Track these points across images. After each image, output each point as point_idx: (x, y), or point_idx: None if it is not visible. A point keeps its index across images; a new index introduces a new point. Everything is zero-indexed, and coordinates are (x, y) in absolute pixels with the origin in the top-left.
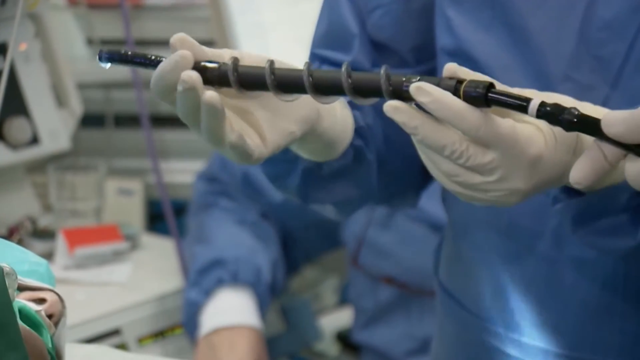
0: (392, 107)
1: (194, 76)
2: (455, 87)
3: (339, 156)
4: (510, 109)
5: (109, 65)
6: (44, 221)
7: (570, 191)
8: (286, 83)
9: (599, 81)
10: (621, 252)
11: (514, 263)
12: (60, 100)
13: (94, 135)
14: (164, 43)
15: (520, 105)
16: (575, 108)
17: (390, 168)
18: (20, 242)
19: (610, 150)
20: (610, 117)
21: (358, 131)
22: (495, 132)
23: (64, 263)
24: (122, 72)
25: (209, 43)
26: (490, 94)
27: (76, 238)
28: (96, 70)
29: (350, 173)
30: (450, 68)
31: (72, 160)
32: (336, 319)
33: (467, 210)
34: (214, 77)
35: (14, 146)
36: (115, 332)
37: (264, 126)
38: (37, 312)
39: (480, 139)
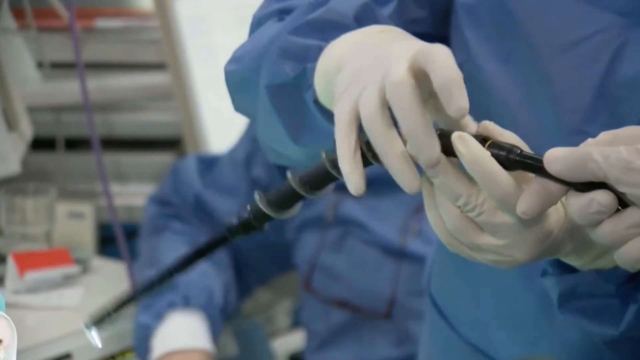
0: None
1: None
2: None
3: None
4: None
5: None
6: None
7: (561, 266)
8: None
9: None
10: (604, 339)
11: (509, 296)
12: (10, 123)
13: (45, 158)
14: (115, 66)
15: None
16: (517, 147)
17: None
18: None
19: (555, 185)
20: (551, 155)
21: None
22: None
23: (14, 287)
24: (73, 95)
25: (159, 66)
26: (511, 157)
27: (26, 262)
28: (46, 93)
29: None
30: (487, 127)
31: (22, 184)
32: (289, 342)
33: None
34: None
35: None
36: (66, 357)
37: None
38: None
39: (505, 206)
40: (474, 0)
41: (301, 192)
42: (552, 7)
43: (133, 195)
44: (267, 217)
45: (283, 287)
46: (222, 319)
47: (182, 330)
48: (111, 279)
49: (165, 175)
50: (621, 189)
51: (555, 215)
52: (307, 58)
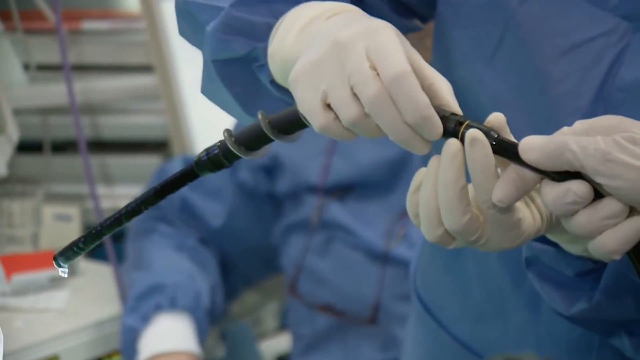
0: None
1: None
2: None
3: None
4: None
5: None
6: None
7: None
8: None
9: None
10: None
11: (498, 295)
12: None
13: (31, 161)
14: (102, 68)
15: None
16: (495, 131)
17: None
18: None
19: (529, 173)
20: (527, 143)
21: None
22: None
23: (1, 290)
24: (59, 97)
25: (146, 68)
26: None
27: (13, 264)
28: (33, 95)
29: None
30: (500, 119)
31: (9, 186)
32: (276, 344)
33: None
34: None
35: None
36: (53, 359)
37: None
38: None
39: (482, 191)
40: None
41: (269, 134)
42: (558, 9)
43: (120, 198)
44: (234, 156)
45: (270, 289)
46: (209, 321)
47: (169, 333)
48: (98, 281)
49: (152, 177)
50: (598, 179)
51: (531, 221)
52: (256, 35)
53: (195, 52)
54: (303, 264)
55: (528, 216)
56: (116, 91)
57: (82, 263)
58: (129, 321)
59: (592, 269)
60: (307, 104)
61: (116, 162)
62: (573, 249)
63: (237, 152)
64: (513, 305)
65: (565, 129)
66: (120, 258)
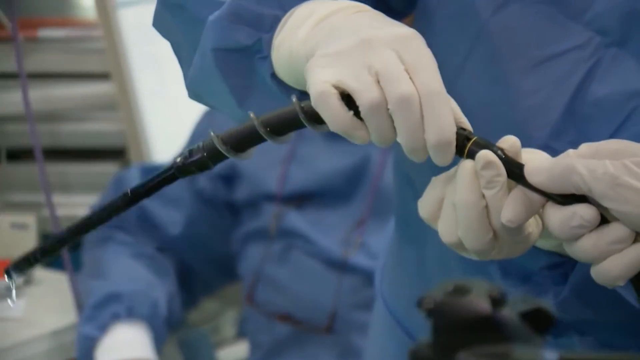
0: (486, 161)
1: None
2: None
3: None
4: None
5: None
6: None
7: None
8: None
9: None
10: None
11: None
12: None
13: None
14: (59, 76)
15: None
16: (501, 150)
17: None
18: None
19: (535, 195)
20: (534, 166)
21: None
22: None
23: None
24: (16, 105)
25: (104, 75)
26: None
27: None
28: None
29: None
30: (516, 146)
31: None
32: (235, 352)
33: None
34: None
35: None
36: None
37: None
38: None
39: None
40: (435, 5)
41: (262, 133)
42: (531, 21)
43: (77, 206)
44: (221, 157)
45: (229, 297)
46: (166, 330)
47: (126, 342)
48: (55, 290)
49: (109, 185)
50: (606, 204)
51: (536, 229)
52: (262, 27)
53: (153, 59)
54: (261, 272)
55: (533, 224)
56: (73, 99)
57: (39, 272)
58: (86, 330)
59: (558, 263)
60: (320, 87)
61: (73, 170)
62: (545, 244)
63: (225, 153)
64: None
65: (570, 151)
66: (76, 267)
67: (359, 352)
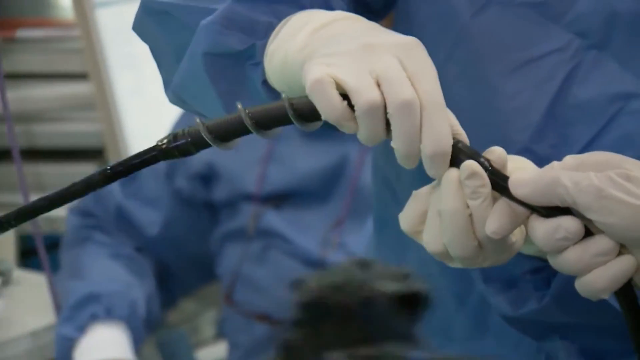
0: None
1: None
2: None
3: None
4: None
5: None
6: None
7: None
8: None
9: (557, 158)
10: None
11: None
12: None
13: None
14: (37, 76)
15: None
16: (488, 160)
17: None
18: None
19: (519, 207)
20: (518, 178)
21: None
22: None
23: None
24: None
25: (82, 76)
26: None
27: None
28: None
29: None
30: (502, 157)
31: None
32: (214, 352)
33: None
34: None
35: None
36: None
37: None
38: None
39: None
40: (414, 7)
41: (249, 126)
42: (512, 23)
43: None
44: (205, 144)
45: (208, 298)
46: (145, 330)
47: (105, 342)
48: (33, 290)
49: None
50: (590, 216)
51: (520, 236)
52: (255, 33)
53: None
54: (240, 272)
55: (517, 233)
56: (52, 99)
57: (16, 272)
58: (64, 331)
59: (540, 268)
60: (317, 81)
61: (52, 170)
62: (528, 249)
63: (209, 141)
64: (457, 325)
65: (555, 163)
66: (56, 267)
67: None
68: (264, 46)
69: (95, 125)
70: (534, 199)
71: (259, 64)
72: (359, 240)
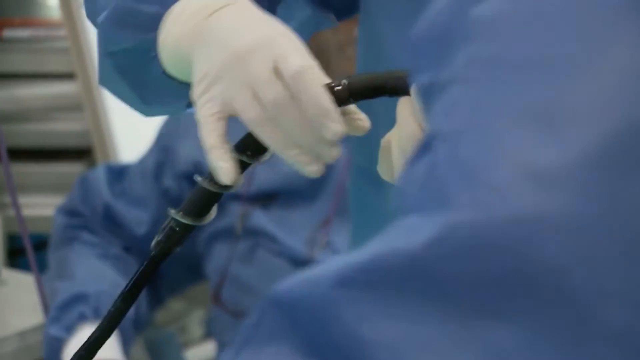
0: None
1: None
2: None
3: None
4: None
5: None
6: None
7: None
8: None
9: None
10: None
11: None
12: None
13: None
14: (23, 76)
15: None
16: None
17: None
18: None
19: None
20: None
21: None
22: None
23: None
24: None
25: (69, 75)
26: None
27: None
28: None
29: None
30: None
31: None
32: (202, 351)
33: None
34: None
35: None
36: None
37: None
38: None
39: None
40: (377, 8)
41: (213, 189)
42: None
43: (43, 206)
44: (189, 228)
45: (196, 297)
46: (133, 330)
47: None
48: (21, 290)
49: (74, 185)
50: None
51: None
52: (144, 26)
53: None
54: (227, 272)
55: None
56: (38, 99)
57: (4, 272)
58: (52, 331)
59: None
60: (208, 124)
61: (39, 170)
62: None
63: (191, 223)
64: None
65: None
66: (43, 267)
67: None
68: (155, 38)
69: (82, 125)
70: None
71: (156, 56)
72: (347, 239)
